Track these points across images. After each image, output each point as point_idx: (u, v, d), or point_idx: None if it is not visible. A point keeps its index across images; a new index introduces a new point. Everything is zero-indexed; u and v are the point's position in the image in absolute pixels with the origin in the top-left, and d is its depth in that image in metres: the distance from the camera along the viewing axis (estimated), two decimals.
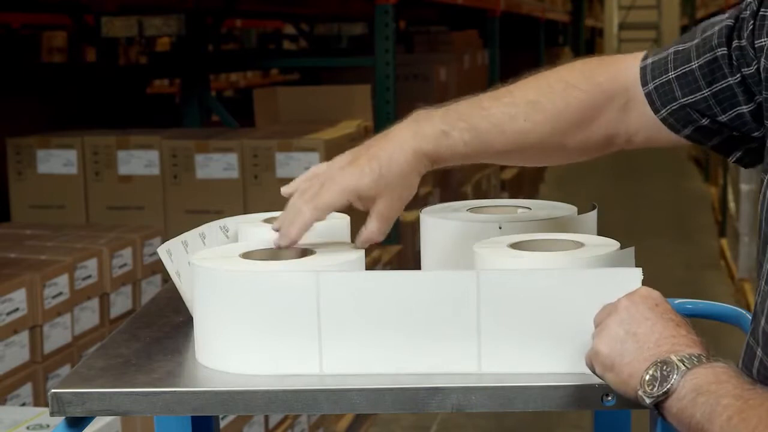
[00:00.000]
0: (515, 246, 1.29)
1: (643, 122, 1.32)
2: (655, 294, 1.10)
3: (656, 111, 1.29)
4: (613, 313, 1.08)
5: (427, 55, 6.07)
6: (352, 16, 6.84)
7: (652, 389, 1.01)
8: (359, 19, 6.93)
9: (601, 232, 1.41)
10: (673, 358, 1.02)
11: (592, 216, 1.49)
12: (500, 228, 1.39)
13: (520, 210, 1.51)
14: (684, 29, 14.74)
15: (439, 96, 5.55)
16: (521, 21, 9.23)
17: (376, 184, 1.25)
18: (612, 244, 1.29)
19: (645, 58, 1.32)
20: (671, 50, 1.29)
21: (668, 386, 1.00)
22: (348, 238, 1.42)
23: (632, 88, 1.31)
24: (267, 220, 1.47)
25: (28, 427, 2.09)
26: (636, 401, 1.03)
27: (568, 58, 12.06)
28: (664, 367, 1.01)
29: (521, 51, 9.76)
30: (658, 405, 1.01)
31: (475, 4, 6.71)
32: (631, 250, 1.23)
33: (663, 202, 8.50)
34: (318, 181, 1.28)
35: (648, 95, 1.30)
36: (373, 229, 1.27)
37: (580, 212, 1.48)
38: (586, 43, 14.57)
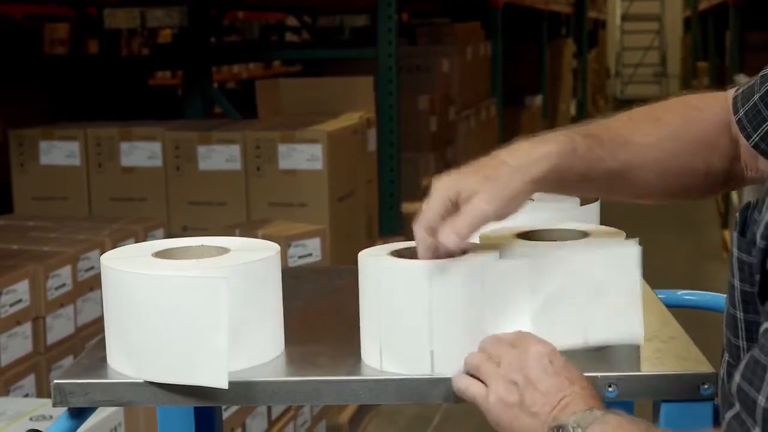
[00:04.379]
0: (521, 236, 1.28)
1: (747, 155, 1.27)
2: (549, 348, 1.10)
3: (748, 137, 1.24)
4: (510, 361, 1.09)
5: (430, 46, 6.06)
6: (355, 7, 6.84)
7: None
8: (362, 11, 6.92)
9: (605, 224, 1.41)
10: (569, 420, 1.03)
11: (594, 207, 1.48)
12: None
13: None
14: (687, 21, 14.71)
15: (442, 88, 5.55)
16: (524, 12, 9.21)
17: (475, 179, 1.17)
18: (617, 233, 1.29)
19: (738, 88, 1.28)
20: (759, 74, 1.24)
21: None
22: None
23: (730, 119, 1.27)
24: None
25: (31, 418, 2.09)
26: None
27: (570, 49, 12.05)
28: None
29: (524, 42, 9.75)
30: None
31: None
32: (635, 242, 1.23)
33: None
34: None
35: (739, 122, 1.25)
36: (460, 219, 1.17)
37: (582, 204, 1.48)
38: (589, 34, 14.55)
